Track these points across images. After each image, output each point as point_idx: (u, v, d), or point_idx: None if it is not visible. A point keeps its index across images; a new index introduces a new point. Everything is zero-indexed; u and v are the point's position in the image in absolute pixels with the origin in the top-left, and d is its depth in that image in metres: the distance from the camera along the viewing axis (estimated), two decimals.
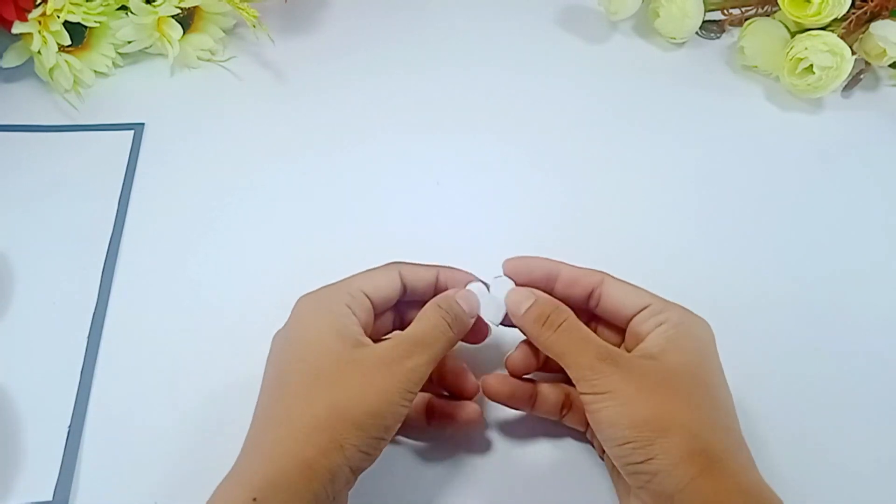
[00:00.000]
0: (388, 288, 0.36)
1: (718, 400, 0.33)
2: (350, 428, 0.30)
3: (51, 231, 0.46)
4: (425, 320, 0.34)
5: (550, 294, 0.36)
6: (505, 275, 0.37)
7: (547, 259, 0.37)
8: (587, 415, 0.32)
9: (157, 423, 0.38)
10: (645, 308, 0.35)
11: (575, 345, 0.33)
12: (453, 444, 0.38)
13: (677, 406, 0.31)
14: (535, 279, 0.37)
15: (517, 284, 0.37)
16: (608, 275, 0.36)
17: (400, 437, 0.38)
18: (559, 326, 0.34)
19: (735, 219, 0.49)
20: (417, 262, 0.37)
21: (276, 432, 0.31)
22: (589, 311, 0.37)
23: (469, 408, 0.37)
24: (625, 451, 0.30)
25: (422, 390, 0.34)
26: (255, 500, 0.28)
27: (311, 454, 0.30)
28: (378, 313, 0.36)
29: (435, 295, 0.37)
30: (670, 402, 0.31)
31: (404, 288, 0.37)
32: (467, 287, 0.37)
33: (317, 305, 0.35)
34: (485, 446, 0.38)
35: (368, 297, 0.35)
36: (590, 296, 0.36)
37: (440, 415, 0.37)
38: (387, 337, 0.38)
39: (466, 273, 0.38)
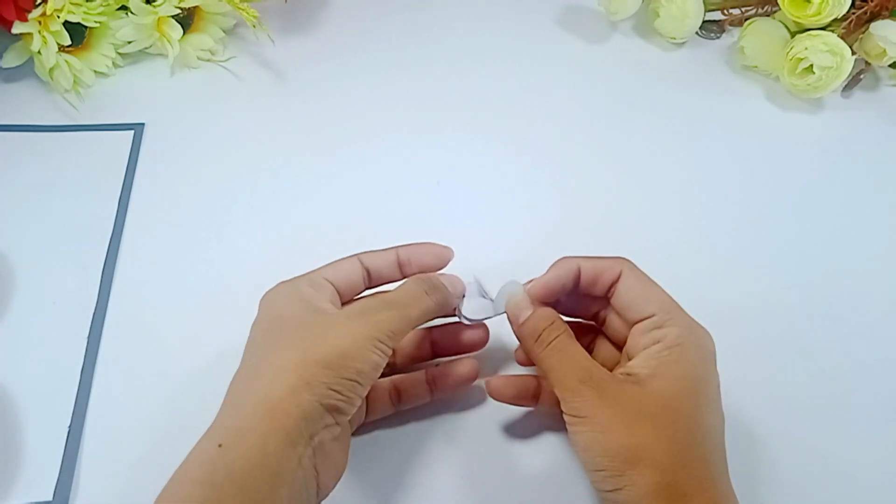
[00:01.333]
0: (349, 273, 0.36)
1: (700, 430, 0.32)
2: (317, 366, 0.30)
3: (51, 231, 0.46)
4: (401, 287, 0.35)
5: (576, 293, 0.37)
6: (531, 298, 0.37)
7: (566, 260, 0.37)
8: (570, 439, 0.33)
9: (156, 423, 0.38)
10: (649, 317, 0.34)
11: (561, 364, 0.33)
12: (456, 436, 0.39)
13: (651, 439, 0.31)
14: (560, 290, 0.36)
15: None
16: (629, 266, 0.36)
17: (401, 428, 0.39)
18: (549, 344, 0.34)
19: (735, 219, 0.49)
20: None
21: (244, 385, 0.31)
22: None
23: (465, 363, 0.38)
24: (597, 478, 0.31)
25: (420, 365, 0.34)
26: (220, 445, 0.28)
27: (278, 394, 0.29)
28: (344, 300, 0.36)
29: (403, 276, 0.38)
30: (645, 433, 0.31)
31: (367, 273, 0.37)
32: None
33: (282, 293, 0.35)
34: (486, 440, 0.38)
35: (331, 283, 0.36)
36: (609, 289, 0.36)
37: (440, 379, 0.38)
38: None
39: (427, 244, 0.38)
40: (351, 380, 0.31)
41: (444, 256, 0.38)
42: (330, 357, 0.30)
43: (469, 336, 0.39)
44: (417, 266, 0.38)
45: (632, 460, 0.30)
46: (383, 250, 0.38)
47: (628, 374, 0.33)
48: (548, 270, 0.37)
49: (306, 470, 0.29)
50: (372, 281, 0.37)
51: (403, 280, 0.37)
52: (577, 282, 0.36)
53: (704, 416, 0.32)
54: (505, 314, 0.36)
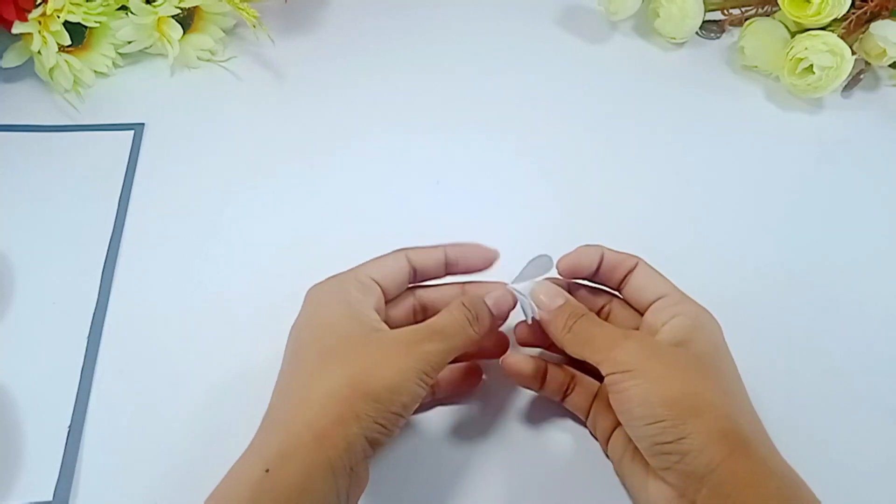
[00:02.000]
0: (396, 272, 0.36)
1: (739, 387, 0.34)
2: (366, 399, 0.30)
3: (51, 231, 0.46)
4: (447, 314, 0.35)
5: (591, 278, 0.38)
6: (561, 274, 0.37)
7: (591, 247, 0.38)
8: (613, 399, 0.32)
9: (157, 423, 0.38)
10: (663, 297, 0.35)
11: (596, 331, 0.34)
12: (463, 430, 0.39)
13: (708, 387, 0.31)
14: (586, 269, 0.37)
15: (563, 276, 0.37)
16: (642, 260, 0.37)
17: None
18: (581, 317, 0.35)
19: (735, 219, 0.49)
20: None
21: (291, 406, 0.31)
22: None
23: (470, 368, 0.39)
24: (655, 431, 0.30)
25: None
26: (267, 470, 0.28)
27: (326, 423, 0.29)
28: (389, 299, 0.36)
29: (447, 273, 0.38)
30: (701, 383, 0.31)
31: (413, 271, 0.37)
32: (506, 287, 0.37)
33: (329, 293, 0.35)
34: (493, 433, 0.39)
35: (378, 283, 0.36)
36: (623, 279, 0.37)
37: (445, 386, 0.38)
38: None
39: (474, 245, 0.38)
40: (396, 413, 0.31)
41: (490, 259, 0.38)
42: (380, 391, 0.30)
43: (489, 347, 0.39)
44: (464, 267, 0.38)
45: (694, 407, 0.30)
46: (431, 248, 0.38)
47: (665, 341, 0.34)
48: (573, 251, 0.37)
49: (342, 498, 0.30)
50: (416, 278, 0.38)
51: (444, 284, 0.38)
52: (598, 266, 0.37)
53: (737, 377, 0.34)
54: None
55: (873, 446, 0.39)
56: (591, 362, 0.33)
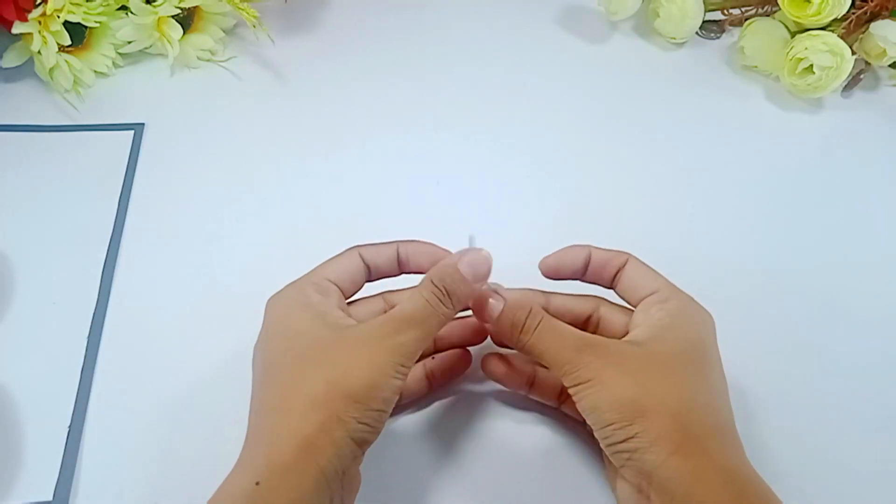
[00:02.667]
0: (351, 271, 0.36)
1: (706, 383, 0.33)
2: (347, 401, 0.30)
3: (51, 231, 0.46)
4: (416, 297, 0.33)
5: (581, 278, 0.37)
6: (544, 275, 0.37)
7: (578, 247, 0.37)
8: (576, 406, 0.33)
9: (156, 423, 0.38)
10: (653, 294, 0.35)
11: (553, 342, 0.33)
12: (452, 427, 0.39)
13: (657, 387, 0.31)
14: (569, 268, 0.37)
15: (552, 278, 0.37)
16: (633, 257, 0.37)
17: (401, 418, 0.39)
18: (535, 330, 0.34)
19: (735, 219, 0.49)
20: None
21: (273, 417, 0.31)
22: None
23: (459, 352, 0.39)
24: (607, 433, 0.31)
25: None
26: (257, 483, 0.28)
27: (311, 431, 0.29)
28: (348, 297, 0.36)
29: (400, 272, 0.37)
30: (650, 383, 0.31)
31: (368, 268, 0.37)
32: (480, 250, 0.35)
33: (290, 300, 0.35)
34: (483, 431, 0.39)
35: (335, 284, 0.35)
36: (614, 276, 0.37)
37: (438, 372, 0.38)
38: None
39: (427, 245, 0.37)
40: (378, 410, 0.31)
41: (438, 259, 0.37)
42: (358, 390, 0.30)
43: (469, 334, 0.39)
44: (415, 266, 0.37)
45: (641, 409, 0.30)
46: (384, 245, 0.37)
47: (629, 341, 0.33)
48: (557, 251, 0.37)
49: (336, 502, 0.30)
50: (371, 276, 0.37)
51: (411, 276, 0.37)
52: (586, 266, 0.37)
53: (708, 374, 0.33)
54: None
55: (873, 450, 0.39)
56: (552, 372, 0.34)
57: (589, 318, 0.38)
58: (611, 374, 0.32)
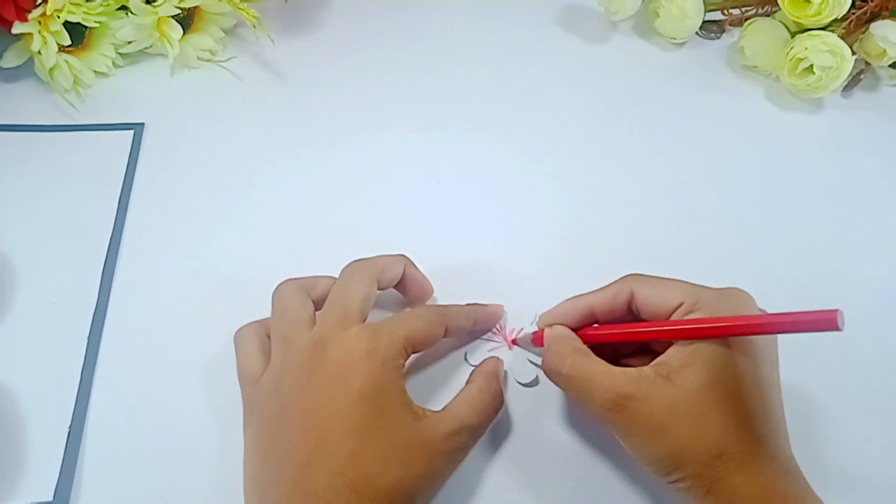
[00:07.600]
0: (434, 335, 0.37)
1: (737, 413, 0.32)
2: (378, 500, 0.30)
3: (51, 231, 0.46)
4: (476, 404, 0.35)
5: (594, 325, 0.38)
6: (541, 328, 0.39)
7: (575, 299, 0.38)
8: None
9: (157, 423, 0.38)
10: (678, 307, 0.34)
11: (587, 391, 0.34)
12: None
13: (690, 438, 0.32)
14: (572, 322, 0.37)
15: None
16: (635, 278, 0.36)
17: None
18: (566, 372, 0.35)
19: (735, 219, 0.49)
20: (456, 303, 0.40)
21: (289, 485, 0.31)
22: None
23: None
24: (649, 470, 0.33)
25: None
26: None
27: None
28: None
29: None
30: (682, 436, 0.32)
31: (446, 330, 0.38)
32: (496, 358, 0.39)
33: (365, 346, 0.33)
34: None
35: (408, 350, 0.35)
36: (628, 308, 0.36)
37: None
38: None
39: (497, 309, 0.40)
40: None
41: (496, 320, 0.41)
42: (401, 495, 0.31)
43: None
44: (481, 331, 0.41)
45: (677, 462, 0.32)
46: (464, 311, 0.39)
47: (660, 368, 0.33)
48: (556, 307, 0.38)
49: None
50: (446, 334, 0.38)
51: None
52: (591, 321, 0.37)
53: (746, 389, 0.33)
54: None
55: (872, 450, 0.39)
56: None
57: (629, 304, 0.36)
58: (644, 431, 0.33)
